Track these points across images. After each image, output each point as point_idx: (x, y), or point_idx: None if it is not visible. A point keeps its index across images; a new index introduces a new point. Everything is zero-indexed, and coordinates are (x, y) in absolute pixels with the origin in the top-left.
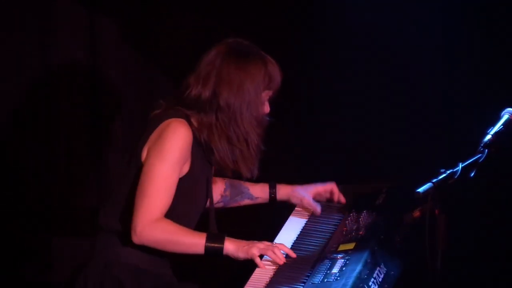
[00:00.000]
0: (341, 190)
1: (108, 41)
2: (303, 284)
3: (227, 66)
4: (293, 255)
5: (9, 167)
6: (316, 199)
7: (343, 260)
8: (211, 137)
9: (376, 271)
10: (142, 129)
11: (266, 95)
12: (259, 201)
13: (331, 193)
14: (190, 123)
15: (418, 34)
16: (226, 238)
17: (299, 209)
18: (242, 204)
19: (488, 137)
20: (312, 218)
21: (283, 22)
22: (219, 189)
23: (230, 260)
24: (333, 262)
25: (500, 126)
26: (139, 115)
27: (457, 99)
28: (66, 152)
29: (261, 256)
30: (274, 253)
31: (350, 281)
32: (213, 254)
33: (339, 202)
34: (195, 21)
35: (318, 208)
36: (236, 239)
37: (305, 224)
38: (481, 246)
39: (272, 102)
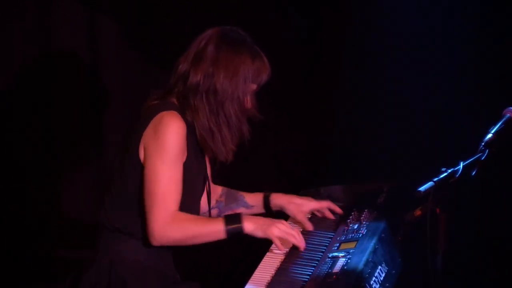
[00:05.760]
0: (343, 190)
1: (108, 41)
2: (304, 283)
3: (225, 49)
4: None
5: (7, 168)
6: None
7: (344, 259)
8: (195, 116)
9: (378, 270)
10: (135, 121)
11: (251, 87)
12: (254, 210)
13: (327, 210)
14: (181, 111)
15: (420, 34)
16: (243, 216)
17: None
18: (238, 212)
19: (489, 136)
20: (313, 218)
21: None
22: (215, 194)
23: (231, 257)
24: (335, 261)
25: (502, 125)
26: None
27: (459, 98)
28: (65, 152)
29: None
30: (294, 237)
31: (352, 280)
32: (235, 236)
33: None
34: (195, 21)
35: (310, 227)
36: (253, 216)
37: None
38: (481, 246)
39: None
